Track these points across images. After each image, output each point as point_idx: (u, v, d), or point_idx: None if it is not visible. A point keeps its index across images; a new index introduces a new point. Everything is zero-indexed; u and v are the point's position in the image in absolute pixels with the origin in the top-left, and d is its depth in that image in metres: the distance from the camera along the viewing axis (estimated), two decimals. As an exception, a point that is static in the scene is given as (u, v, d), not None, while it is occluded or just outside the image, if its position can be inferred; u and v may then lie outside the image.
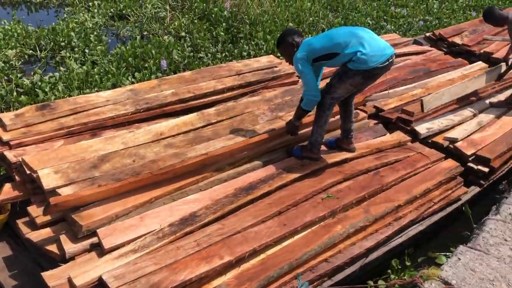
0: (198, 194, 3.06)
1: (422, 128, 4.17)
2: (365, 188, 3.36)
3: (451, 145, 4.06)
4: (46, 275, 2.45)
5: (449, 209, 3.62)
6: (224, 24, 7.04)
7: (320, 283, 2.81)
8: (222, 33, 6.77)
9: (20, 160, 3.04)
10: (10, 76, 4.93)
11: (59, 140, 3.38)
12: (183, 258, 2.56)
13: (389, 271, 3.12)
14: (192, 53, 6.17)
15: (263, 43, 6.62)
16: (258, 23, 7.24)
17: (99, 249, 2.61)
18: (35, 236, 2.69)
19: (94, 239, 2.65)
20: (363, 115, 4.30)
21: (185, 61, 5.86)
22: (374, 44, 3.25)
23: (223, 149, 3.34)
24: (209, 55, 6.22)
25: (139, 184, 2.94)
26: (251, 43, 6.65)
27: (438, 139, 4.16)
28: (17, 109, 4.19)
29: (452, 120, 4.37)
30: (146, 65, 5.59)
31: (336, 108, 3.62)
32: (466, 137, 4.17)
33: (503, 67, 4.99)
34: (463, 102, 4.80)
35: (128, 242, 2.65)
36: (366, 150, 3.80)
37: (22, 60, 5.80)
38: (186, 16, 7.41)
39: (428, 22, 8.54)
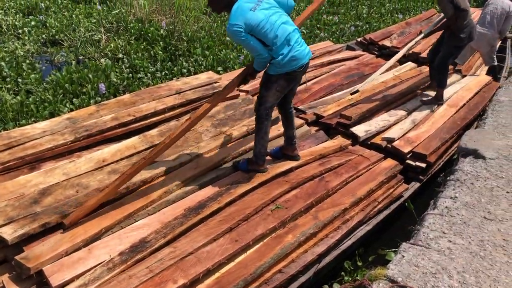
0: (147, 219, 3.03)
1: (360, 131, 4.34)
2: (311, 195, 3.44)
3: (389, 145, 4.25)
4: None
5: (393, 207, 3.79)
6: (161, 42, 7.01)
7: (276, 295, 2.85)
8: (160, 52, 6.74)
9: (-46, 203, 2.89)
10: None
11: (-5, 178, 3.24)
12: (136, 287, 2.52)
13: (342, 273, 3.21)
14: (131, 74, 6.10)
15: (202, 59, 6.65)
16: (196, 40, 7.26)
17: (47, 288, 2.53)
18: (-24, 281, 2.57)
19: (41, 278, 2.56)
20: (302, 122, 4.41)
21: (124, 83, 5.78)
22: (299, 49, 3.30)
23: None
24: (149, 74, 6.17)
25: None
26: (190, 60, 6.66)
27: (377, 140, 4.34)
28: None
29: (388, 121, 4.58)
30: (84, 90, 5.46)
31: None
32: (402, 135, 4.38)
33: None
34: (396, 102, 5.03)
35: (78, 276, 2.57)
36: (310, 157, 3.89)
37: (-51, 96, 5.51)
38: (122, 37, 7.31)
39: (359, 27, 8.89)
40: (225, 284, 2.65)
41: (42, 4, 8.75)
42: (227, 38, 7.56)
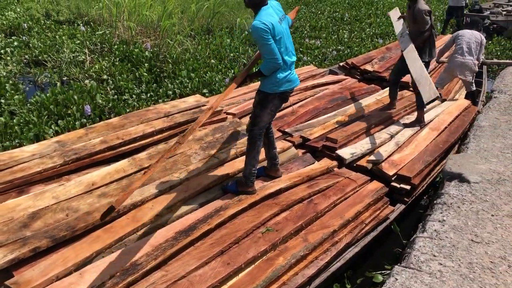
0: (138, 242, 3.02)
1: (346, 154, 4.42)
2: (301, 217, 3.49)
3: (374, 167, 4.34)
4: None
5: (379, 228, 3.85)
6: (146, 64, 7.05)
7: (267, 318, 2.86)
8: (145, 74, 6.77)
9: None
10: None
11: (-18, 202, 3.20)
12: (129, 311, 2.51)
13: (331, 296, 3.25)
14: (116, 96, 6.10)
15: (187, 81, 6.70)
16: (181, 62, 7.32)
17: (38, 314, 2.49)
18: (-36, 308, 2.52)
19: (31, 304, 2.53)
20: (289, 145, 4.48)
21: (110, 105, 5.78)
22: (294, 73, 3.56)
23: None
24: (134, 96, 6.19)
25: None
26: (175, 81, 6.71)
27: (362, 162, 4.42)
28: None
29: (373, 143, 4.68)
30: (69, 111, 5.44)
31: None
32: (387, 158, 4.48)
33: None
34: (380, 126, 5.16)
35: (69, 302, 2.55)
36: (298, 179, 3.95)
37: None
38: (107, 58, 7.34)
39: (340, 52, 9.10)
40: (218, 308, 2.66)
41: (25, 25, 8.74)
42: (212, 61, 7.65)
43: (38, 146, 3.73)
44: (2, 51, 7.50)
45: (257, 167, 3.76)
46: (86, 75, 6.88)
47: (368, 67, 7.06)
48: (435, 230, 2.98)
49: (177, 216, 3.34)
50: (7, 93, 5.84)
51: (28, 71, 7.07)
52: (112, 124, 4.18)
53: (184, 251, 3.06)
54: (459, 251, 2.79)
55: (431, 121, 5.37)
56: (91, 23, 8.96)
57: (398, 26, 5.55)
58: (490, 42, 10.88)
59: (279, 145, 4.37)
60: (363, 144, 4.67)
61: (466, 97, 6.55)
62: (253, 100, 3.66)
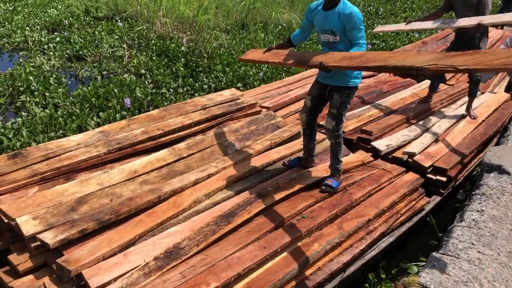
0: (179, 226, 3.14)
1: (381, 146, 4.43)
2: (336, 206, 3.54)
3: (410, 159, 4.33)
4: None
5: (415, 219, 3.86)
6: (182, 59, 7.21)
7: (303, 301, 2.93)
8: (181, 68, 6.93)
9: (-3, 209, 3.03)
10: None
11: (34, 187, 3.38)
12: (171, 290, 2.63)
13: (366, 285, 3.28)
14: (154, 90, 6.28)
15: (222, 75, 6.82)
16: (216, 57, 7.45)
17: (87, 290, 2.64)
18: (19, 284, 2.69)
19: (79, 281, 2.68)
20: (324, 137, 4.52)
21: (148, 98, 5.96)
22: None
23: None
24: (171, 90, 6.35)
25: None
26: (210, 76, 6.84)
27: (398, 154, 4.43)
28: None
29: (409, 136, 4.67)
30: (110, 104, 5.64)
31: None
32: (423, 150, 4.46)
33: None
34: (416, 119, 5.13)
35: (115, 279, 2.68)
36: (333, 171, 3.99)
37: (-20, 108, 5.74)
38: (144, 53, 7.54)
39: (375, 45, 9.03)
40: (255, 289, 2.75)
41: (66, 21, 9.06)
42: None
43: (83, 136, 3.91)
44: (45, 46, 7.84)
45: (289, 159, 3.92)
46: (125, 69, 7.10)
47: (404, 61, 6.99)
48: (473, 220, 2.98)
49: (215, 203, 3.45)
50: (51, 86, 6.11)
51: (69, 65, 7.34)
52: (153, 116, 4.33)
53: (223, 238, 3.17)
54: (499, 240, 2.78)
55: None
56: (129, 19, 9.20)
57: (422, 24, 5.38)
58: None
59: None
60: (398, 136, 4.66)
61: (506, 91, 6.42)
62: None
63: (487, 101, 5.68)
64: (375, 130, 4.66)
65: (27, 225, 2.89)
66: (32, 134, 4.92)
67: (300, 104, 5.31)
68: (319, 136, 4.52)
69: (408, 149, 4.45)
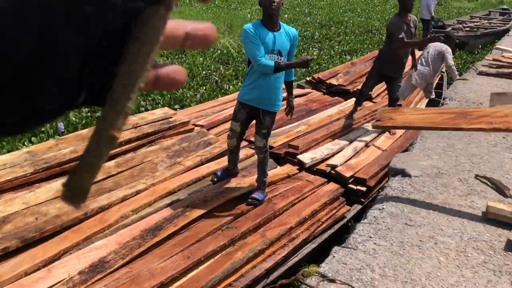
0: (105, 240, 3.21)
1: (306, 159, 4.70)
2: (259, 216, 3.72)
3: (332, 171, 4.62)
4: None
5: (337, 226, 4.10)
6: (119, 83, 7.26)
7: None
8: (118, 92, 6.98)
9: None
10: None
11: (-45, 208, 3.36)
12: (93, 301, 2.69)
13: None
14: (89, 113, 6.30)
15: (159, 97, 6.95)
16: (153, 80, 7.56)
17: (7, 307, 2.66)
18: None
19: (0, 298, 2.70)
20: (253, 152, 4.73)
21: (83, 122, 5.98)
22: None
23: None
24: (107, 113, 6.38)
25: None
26: (147, 98, 6.95)
27: (322, 166, 4.70)
28: None
29: (332, 149, 4.98)
30: (43, 129, 5.62)
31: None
32: (345, 162, 4.77)
33: None
34: (341, 132, 5.47)
35: (37, 295, 2.72)
36: (260, 183, 4.19)
37: None
38: (81, 78, 7.54)
39: (309, 68, 9.46)
40: (178, 297, 2.86)
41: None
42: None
43: (9, 156, 3.92)
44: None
45: (216, 170, 4.14)
46: (61, 94, 7.06)
47: (334, 81, 7.42)
48: (374, 217, 3.26)
49: (143, 217, 3.54)
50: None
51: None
52: (82, 135, 4.40)
53: (149, 251, 3.26)
54: (393, 233, 3.07)
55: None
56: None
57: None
58: (453, 56, 11.43)
59: (244, 152, 4.64)
60: (322, 150, 4.95)
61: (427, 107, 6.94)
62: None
63: (406, 116, 6.12)
64: (301, 145, 4.94)
65: None
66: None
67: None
68: (248, 151, 4.74)
69: (331, 161, 4.73)
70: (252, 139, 5.18)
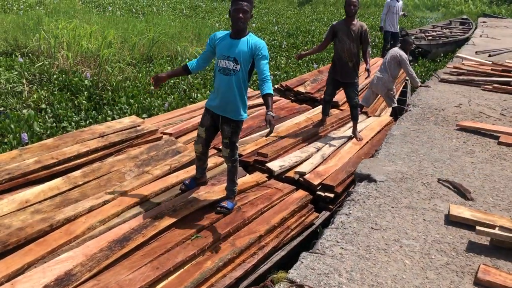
0: (72, 252, 3.14)
1: (275, 166, 4.74)
2: (229, 224, 3.73)
3: (301, 178, 4.67)
4: None
5: (305, 233, 4.15)
6: (85, 92, 7.17)
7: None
8: (84, 102, 6.89)
9: None
10: None
11: None
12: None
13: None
14: (54, 124, 6.18)
15: (126, 107, 6.87)
16: (120, 89, 7.50)
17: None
18: None
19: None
20: (222, 160, 4.73)
21: (48, 132, 5.85)
22: None
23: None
24: (73, 123, 6.28)
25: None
26: (115, 108, 6.87)
27: (290, 174, 4.75)
28: None
29: (300, 157, 5.04)
30: (6, 140, 5.48)
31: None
32: (313, 169, 4.83)
33: None
34: (309, 140, 5.54)
35: (0, 311, 2.64)
36: (229, 192, 4.19)
37: None
38: (45, 88, 7.39)
39: (277, 76, 9.57)
40: (147, 308, 2.82)
41: (-40, 57, 8.63)
42: (152, 87, 7.86)
43: (-31, 168, 3.79)
44: None
45: (184, 179, 4.15)
46: (24, 105, 6.90)
47: (301, 89, 7.52)
48: (341, 222, 3.32)
49: (110, 228, 3.49)
50: None
51: (-38, 102, 6.99)
52: (47, 145, 4.30)
53: (117, 263, 3.21)
54: (360, 237, 3.13)
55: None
56: (30, 54, 8.98)
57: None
58: (416, 64, 11.80)
59: (213, 160, 4.64)
60: (291, 157, 5.00)
61: (391, 115, 7.11)
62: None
63: (371, 124, 6.27)
64: (270, 153, 4.98)
65: None
66: None
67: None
68: (217, 159, 4.74)
69: (299, 169, 4.79)
70: (221, 147, 5.22)
